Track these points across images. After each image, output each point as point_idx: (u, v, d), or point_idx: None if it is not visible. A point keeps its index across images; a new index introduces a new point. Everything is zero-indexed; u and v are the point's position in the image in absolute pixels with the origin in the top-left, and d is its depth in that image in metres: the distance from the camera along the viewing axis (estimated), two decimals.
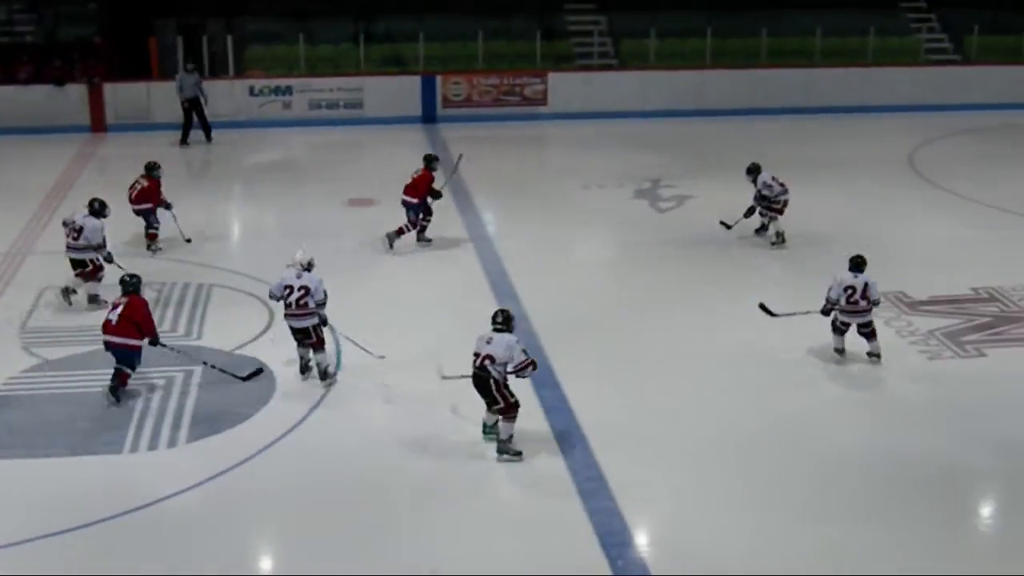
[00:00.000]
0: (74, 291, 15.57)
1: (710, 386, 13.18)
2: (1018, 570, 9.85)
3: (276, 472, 11.54)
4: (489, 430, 11.76)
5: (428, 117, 27.89)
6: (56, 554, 10.22)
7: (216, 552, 10.23)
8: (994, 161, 24.13)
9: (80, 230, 15.45)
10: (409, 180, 17.83)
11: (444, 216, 18.60)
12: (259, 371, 13.14)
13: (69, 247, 15.61)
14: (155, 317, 13.48)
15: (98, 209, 15.77)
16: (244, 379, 12.96)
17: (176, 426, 12.32)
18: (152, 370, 13.41)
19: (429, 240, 18.09)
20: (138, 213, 17.80)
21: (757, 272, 17.05)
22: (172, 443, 12.06)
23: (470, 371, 11.51)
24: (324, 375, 13.15)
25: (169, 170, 18.67)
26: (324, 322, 13.14)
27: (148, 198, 17.74)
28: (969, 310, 15.32)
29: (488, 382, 11.40)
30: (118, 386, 12.71)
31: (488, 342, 11.37)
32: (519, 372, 11.48)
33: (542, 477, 11.36)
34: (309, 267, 13.20)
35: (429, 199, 17.84)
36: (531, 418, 12.27)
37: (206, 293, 16.06)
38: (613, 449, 11.69)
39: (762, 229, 18.07)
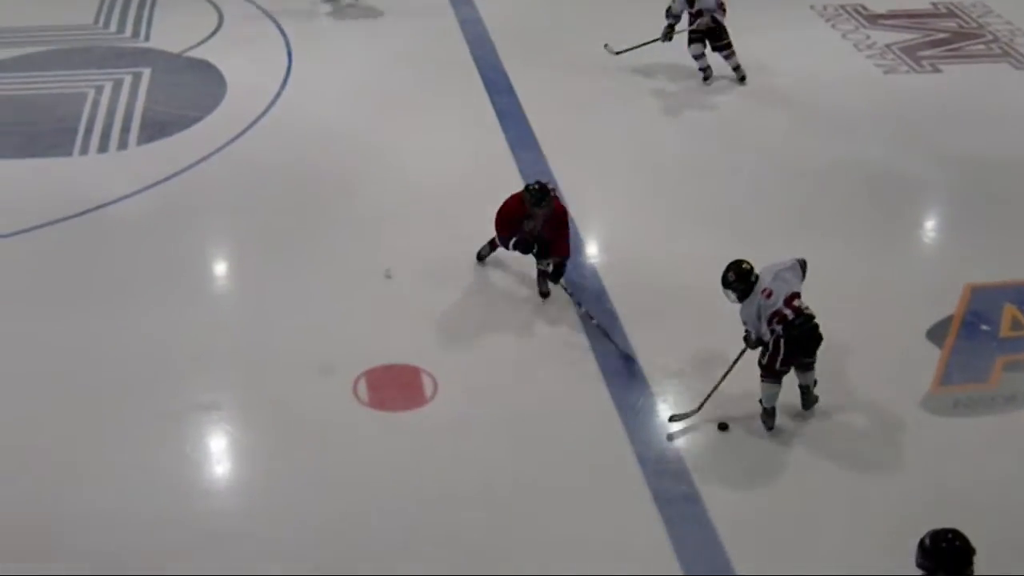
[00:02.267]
0: None
1: (663, 98, 13.12)
2: (946, 275, 10.08)
3: (227, 175, 11.51)
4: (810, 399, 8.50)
5: None
6: (4, 254, 10.28)
7: (167, 253, 10.29)
8: None
9: None
10: None
11: None
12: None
13: None
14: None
15: None
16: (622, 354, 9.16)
17: (126, 129, 12.18)
18: (100, 72, 13.20)
19: None
20: None
21: None
22: (122, 146, 11.95)
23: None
24: None
25: None
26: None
27: None
28: (928, 25, 15.18)
29: (818, 329, 8.10)
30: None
31: (769, 296, 7.99)
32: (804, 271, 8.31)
33: (493, 180, 11.37)
34: None
35: None
36: (486, 124, 12.33)
37: None
38: (564, 155, 11.68)
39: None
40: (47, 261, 10.24)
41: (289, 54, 13.73)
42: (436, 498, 7.73)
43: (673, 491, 7.77)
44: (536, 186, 9.48)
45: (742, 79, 13.30)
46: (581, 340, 9.23)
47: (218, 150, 11.79)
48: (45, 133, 12.12)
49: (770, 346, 8.02)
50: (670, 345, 9.13)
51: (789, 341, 7.95)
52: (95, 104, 12.62)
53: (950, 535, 5.59)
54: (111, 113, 12.45)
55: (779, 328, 7.93)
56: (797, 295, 8.01)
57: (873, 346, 9.18)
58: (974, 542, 5.68)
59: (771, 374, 8.12)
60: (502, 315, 9.53)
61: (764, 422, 8.32)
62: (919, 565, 5.57)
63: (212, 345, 9.20)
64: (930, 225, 11.29)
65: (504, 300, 9.75)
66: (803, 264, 8.25)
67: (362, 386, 8.69)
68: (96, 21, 14.69)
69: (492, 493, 7.79)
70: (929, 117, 12.82)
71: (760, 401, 8.28)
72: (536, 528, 7.53)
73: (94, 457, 8.06)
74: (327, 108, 12.70)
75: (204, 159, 11.64)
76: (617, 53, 13.53)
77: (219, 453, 8.35)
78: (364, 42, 14.21)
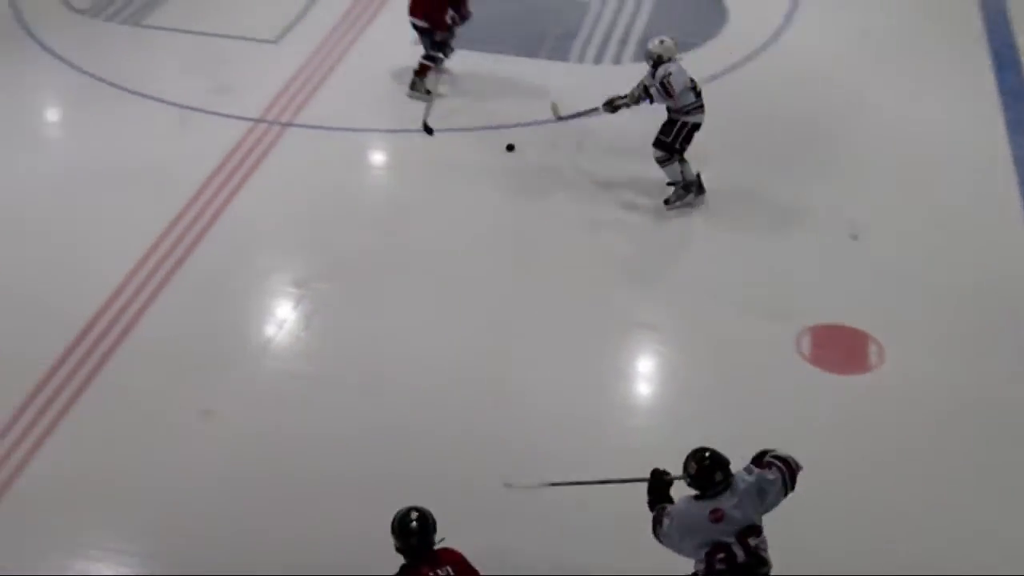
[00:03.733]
0: None
1: None
2: None
3: (716, 104, 11.31)
4: None
5: None
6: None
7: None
8: None
9: None
10: None
11: None
12: None
13: None
14: None
15: None
16: None
17: (623, 42, 12.38)
18: None
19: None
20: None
21: None
22: (617, 60, 12.18)
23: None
24: None
25: None
26: None
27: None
28: None
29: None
30: None
31: (718, 520, 6.04)
32: (794, 480, 6.21)
33: (981, 161, 10.71)
34: None
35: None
36: (983, 98, 11.52)
37: None
38: None
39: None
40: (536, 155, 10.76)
41: None
42: (849, 466, 7.56)
43: None
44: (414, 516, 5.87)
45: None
46: None
47: (714, 78, 11.44)
48: (546, 35, 12.51)
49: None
50: None
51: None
52: (597, 16, 12.86)
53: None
54: (611, 27, 12.67)
55: (721, 567, 6.10)
56: (756, 530, 6.11)
57: None
58: None
59: None
60: (963, 295, 9.08)
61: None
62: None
63: (660, 270, 9.44)
64: None
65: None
66: (791, 478, 6.17)
67: (806, 340, 8.57)
68: None
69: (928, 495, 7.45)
70: None
71: None
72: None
73: (531, 354, 8.55)
74: (825, 49, 12.31)
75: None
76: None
77: (648, 371, 8.61)
78: None
